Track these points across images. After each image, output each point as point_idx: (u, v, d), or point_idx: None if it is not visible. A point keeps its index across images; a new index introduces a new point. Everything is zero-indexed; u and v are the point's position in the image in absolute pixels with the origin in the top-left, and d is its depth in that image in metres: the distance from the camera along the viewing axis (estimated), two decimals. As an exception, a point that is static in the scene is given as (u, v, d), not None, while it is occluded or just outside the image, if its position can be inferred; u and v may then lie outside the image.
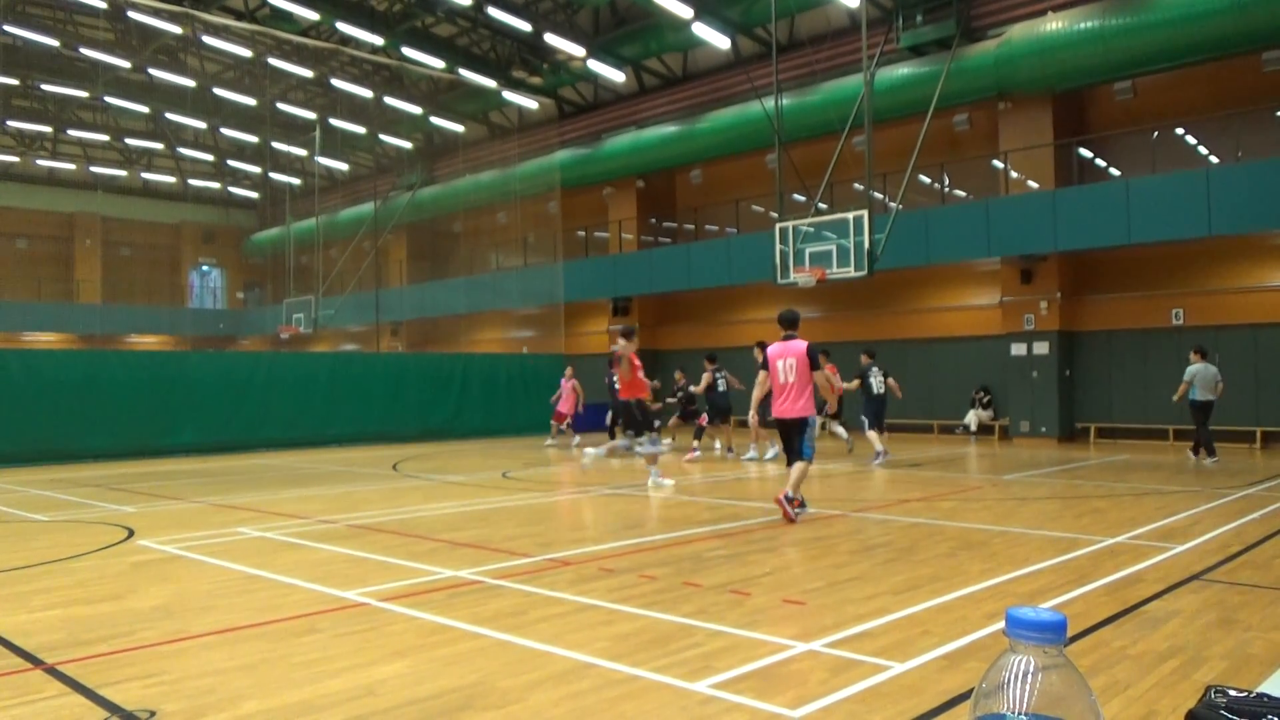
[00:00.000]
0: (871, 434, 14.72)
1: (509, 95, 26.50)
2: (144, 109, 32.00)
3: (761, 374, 9.03)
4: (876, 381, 15.04)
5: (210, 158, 38.25)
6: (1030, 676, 0.93)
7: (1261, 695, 1.20)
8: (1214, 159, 18.16)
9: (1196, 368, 14.26)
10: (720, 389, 16.12)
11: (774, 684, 3.84)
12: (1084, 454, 15.75)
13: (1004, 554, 6.69)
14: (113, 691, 3.82)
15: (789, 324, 9.03)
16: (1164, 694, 3.65)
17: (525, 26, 22.74)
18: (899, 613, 5.00)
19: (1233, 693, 1.19)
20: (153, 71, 28.93)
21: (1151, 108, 18.35)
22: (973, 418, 20.09)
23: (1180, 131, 18.55)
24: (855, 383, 15.08)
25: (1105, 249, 17.60)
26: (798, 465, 8.81)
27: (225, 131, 34.31)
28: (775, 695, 3.69)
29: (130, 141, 36.08)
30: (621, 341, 11.90)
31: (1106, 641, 4.42)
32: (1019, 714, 0.92)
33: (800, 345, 8.81)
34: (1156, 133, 18.46)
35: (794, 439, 8.93)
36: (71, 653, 4.40)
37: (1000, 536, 7.46)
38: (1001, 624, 0.97)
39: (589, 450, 12.43)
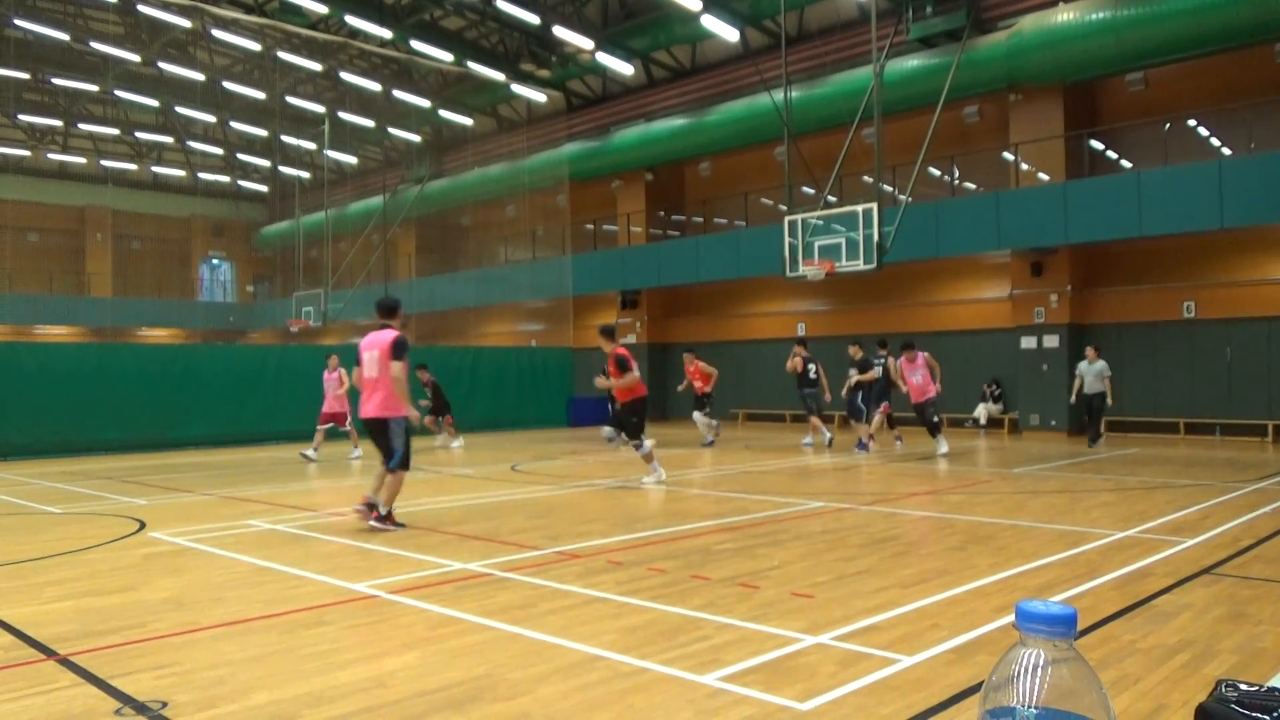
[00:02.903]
0: (871, 422, 15.32)
1: (517, 88, 26.48)
2: (154, 103, 32.10)
3: (356, 370, 8.09)
4: (865, 370, 15.56)
5: (220, 151, 38.35)
6: (1040, 670, 0.93)
7: (1273, 689, 1.19)
8: (1226, 150, 18.03)
9: (1102, 364, 15.33)
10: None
11: (782, 677, 3.84)
12: (1094, 448, 15.69)
13: (1013, 548, 6.68)
14: (124, 682, 3.85)
15: (384, 312, 8.06)
16: (1174, 688, 3.64)
17: (534, 19, 22.70)
18: (907, 606, 5.00)
19: (1243, 687, 1.19)
20: (162, 65, 29.00)
21: (1163, 99, 18.23)
22: (982, 411, 20.02)
23: (1192, 123, 18.43)
24: (871, 374, 15.47)
25: (1116, 241, 17.51)
26: (384, 476, 7.73)
27: (235, 125, 34.39)
28: (784, 688, 3.69)
29: (140, 135, 36.21)
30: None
31: (1116, 635, 4.40)
32: (1029, 707, 0.92)
33: (386, 336, 7.79)
34: (1168, 124, 18.33)
35: (380, 443, 7.80)
36: (84, 644, 4.43)
37: (1009, 530, 7.44)
38: (1010, 617, 0.97)
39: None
